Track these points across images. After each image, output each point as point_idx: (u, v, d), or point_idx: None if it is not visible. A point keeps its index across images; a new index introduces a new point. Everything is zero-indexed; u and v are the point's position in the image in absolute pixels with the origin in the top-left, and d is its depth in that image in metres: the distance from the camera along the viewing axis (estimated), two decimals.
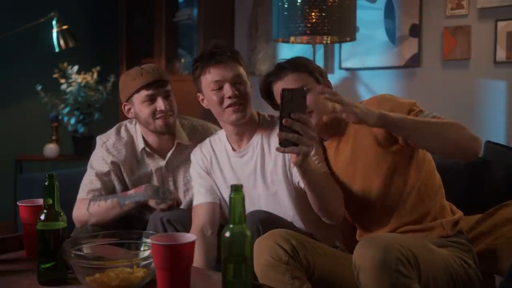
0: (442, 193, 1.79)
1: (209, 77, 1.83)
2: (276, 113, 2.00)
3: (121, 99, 2.13)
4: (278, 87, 1.78)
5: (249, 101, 1.85)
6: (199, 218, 1.90)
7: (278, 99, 1.80)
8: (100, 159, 2.12)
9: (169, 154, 2.12)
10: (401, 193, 1.71)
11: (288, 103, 1.48)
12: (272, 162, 1.86)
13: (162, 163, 2.13)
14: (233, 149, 1.93)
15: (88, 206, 2.04)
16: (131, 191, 2.04)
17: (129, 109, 2.10)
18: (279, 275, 1.53)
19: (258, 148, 1.88)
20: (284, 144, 1.49)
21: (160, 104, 2.03)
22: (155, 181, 2.14)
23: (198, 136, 2.16)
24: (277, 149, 1.50)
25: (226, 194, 1.91)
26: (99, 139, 2.16)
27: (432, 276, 1.50)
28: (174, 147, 2.12)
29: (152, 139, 2.13)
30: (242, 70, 1.86)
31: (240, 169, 1.91)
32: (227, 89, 1.81)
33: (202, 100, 1.92)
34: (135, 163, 2.13)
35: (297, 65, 1.78)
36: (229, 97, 1.81)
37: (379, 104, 1.71)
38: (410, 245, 1.46)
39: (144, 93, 2.03)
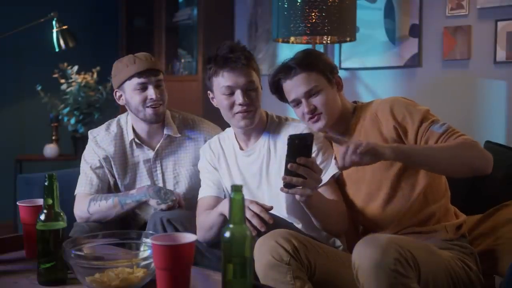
0: (448, 196, 1.78)
1: (222, 81, 1.83)
2: (283, 109, 2.02)
3: (113, 85, 2.16)
4: (287, 86, 1.79)
5: (259, 107, 1.87)
6: (204, 207, 1.91)
7: (288, 96, 1.81)
8: (92, 152, 2.16)
9: (158, 145, 2.15)
10: (408, 197, 1.71)
11: (294, 148, 1.52)
12: (277, 164, 1.86)
13: (151, 154, 2.15)
14: (241, 148, 1.95)
15: (88, 207, 2.05)
16: (133, 191, 2.06)
17: (120, 96, 2.13)
18: (280, 275, 1.52)
19: (265, 149, 1.90)
20: (288, 186, 1.55)
21: (151, 92, 2.06)
22: (144, 173, 2.16)
23: (189, 129, 2.20)
24: (281, 190, 1.57)
25: None
26: (90, 134, 2.20)
27: (432, 277, 1.50)
28: (163, 138, 2.15)
29: (141, 128, 2.15)
30: (255, 76, 1.86)
31: (246, 168, 1.93)
32: (238, 96, 1.82)
33: (212, 98, 1.93)
34: (124, 155, 2.16)
35: (307, 64, 1.77)
36: (240, 104, 1.82)
37: (392, 108, 1.71)
38: (410, 246, 1.46)
39: (135, 81, 2.06)
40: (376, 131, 1.73)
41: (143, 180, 2.16)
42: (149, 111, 2.07)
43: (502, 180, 2.04)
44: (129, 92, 2.08)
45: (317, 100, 1.75)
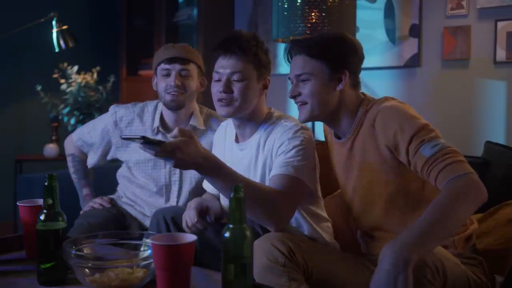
0: None
1: (215, 66, 1.83)
2: (284, 109, 2.01)
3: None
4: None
5: (243, 101, 1.78)
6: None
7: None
8: (105, 123, 2.28)
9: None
10: (406, 217, 1.62)
11: (148, 145, 1.49)
12: (262, 163, 1.82)
13: None
14: (237, 140, 1.91)
15: (67, 157, 2.48)
16: (86, 192, 2.40)
17: (156, 82, 2.19)
18: (276, 277, 1.50)
19: (255, 146, 1.84)
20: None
21: (171, 79, 2.10)
22: (161, 161, 2.15)
23: (214, 121, 2.22)
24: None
25: None
26: (112, 108, 2.29)
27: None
28: (187, 128, 2.14)
29: (168, 115, 2.20)
30: (247, 68, 1.78)
31: (238, 162, 1.86)
32: (220, 84, 1.79)
33: None
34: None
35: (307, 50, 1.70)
36: (219, 92, 1.78)
37: (385, 122, 1.59)
38: (441, 255, 1.45)
39: (162, 66, 2.12)
40: (374, 145, 1.63)
41: (160, 164, 2.19)
42: (168, 97, 2.12)
43: (502, 180, 2.04)
44: (158, 78, 2.16)
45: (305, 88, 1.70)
